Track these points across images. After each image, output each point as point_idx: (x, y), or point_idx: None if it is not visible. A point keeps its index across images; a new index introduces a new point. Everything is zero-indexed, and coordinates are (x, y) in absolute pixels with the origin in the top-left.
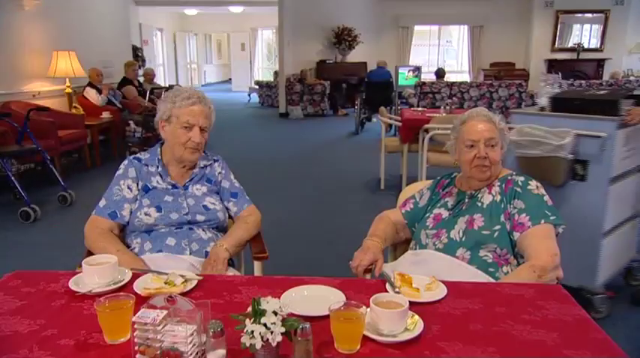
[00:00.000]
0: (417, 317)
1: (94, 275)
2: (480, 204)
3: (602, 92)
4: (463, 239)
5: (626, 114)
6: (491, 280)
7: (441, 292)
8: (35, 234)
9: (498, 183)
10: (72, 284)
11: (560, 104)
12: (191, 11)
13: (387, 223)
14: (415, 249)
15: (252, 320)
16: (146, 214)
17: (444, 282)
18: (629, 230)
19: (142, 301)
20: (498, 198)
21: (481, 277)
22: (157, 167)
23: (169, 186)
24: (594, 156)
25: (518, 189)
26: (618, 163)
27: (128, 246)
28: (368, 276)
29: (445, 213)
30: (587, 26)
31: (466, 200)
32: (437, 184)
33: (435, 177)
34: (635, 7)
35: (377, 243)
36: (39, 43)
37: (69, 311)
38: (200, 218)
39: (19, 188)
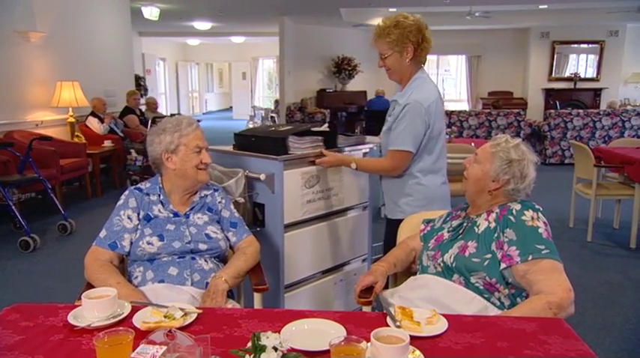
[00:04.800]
0: (418, 352)
1: (94, 308)
2: (476, 230)
3: (282, 129)
4: (454, 264)
5: (319, 155)
6: (488, 304)
7: (442, 326)
8: (35, 263)
9: (497, 210)
10: (71, 318)
11: (242, 142)
12: (193, 41)
13: (404, 249)
14: (420, 268)
15: (252, 356)
16: (148, 243)
17: (445, 315)
18: (328, 285)
19: (141, 335)
20: (493, 225)
21: (478, 301)
22: (159, 195)
23: (171, 215)
24: (269, 199)
25: (512, 219)
26: (300, 207)
27: (130, 275)
28: (368, 309)
29: (446, 235)
30: (583, 56)
31: (465, 224)
32: (455, 208)
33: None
34: (630, 39)
35: (382, 267)
36: (43, 74)
37: (67, 346)
38: (202, 246)
39: (19, 217)
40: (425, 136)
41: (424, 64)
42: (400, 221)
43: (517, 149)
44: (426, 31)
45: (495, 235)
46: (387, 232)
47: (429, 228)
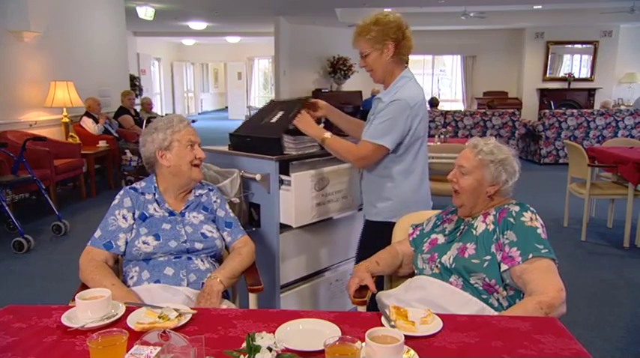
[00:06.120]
0: (412, 351)
1: (88, 309)
2: (474, 232)
3: (275, 119)
4: (453, 266)
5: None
6: (485, 306)
7: (436, 326)
8: (28, 264)
9: (494, 212)
10: (64, 319)
11: (237, 142)
12: (188, 41)
13: (390, 253)
14: (416, 271)
15: (246, 356)
16: (144, 243)
17: (439, 315)
18: (323, 285)
19: (135, 336)
20: (491, 227)
21: (474, 303)
22: (154, 194)
23: (166, 214)
24: (264, 199)
25: (512, 220)
26: (310, 210)
27: (126, 275)
28: (363, 309)
29: (441, 239)
30: (577, 56)
31: (462, 227)
32: (443, 211)
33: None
34: (623, 39)
35: (363, 265)
36: (37, 73)
37: (61, 347)
38: (198, 246)
39: (13, 218)
40: (408, 136)
41: (407, 64)
42: (377, 223)
43: (498, 148)
44: (406, 30)
45: (495, 237)
46: (364, 233)
47: (417, 232)
